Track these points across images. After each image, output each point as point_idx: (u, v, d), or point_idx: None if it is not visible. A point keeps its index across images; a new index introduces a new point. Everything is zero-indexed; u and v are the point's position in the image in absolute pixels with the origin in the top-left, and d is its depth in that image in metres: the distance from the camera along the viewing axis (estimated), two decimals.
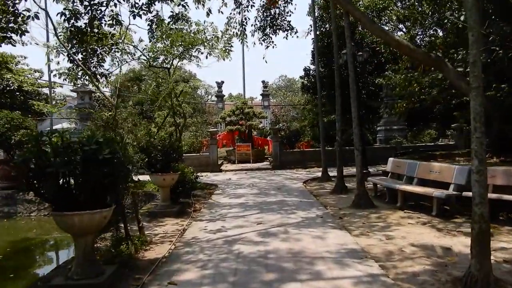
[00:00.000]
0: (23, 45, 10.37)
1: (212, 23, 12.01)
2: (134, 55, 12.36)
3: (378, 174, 13.97)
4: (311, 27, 22.05)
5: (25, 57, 32.87)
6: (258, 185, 12.98)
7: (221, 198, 10.61)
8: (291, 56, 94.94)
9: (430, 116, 24.03)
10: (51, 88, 28.69)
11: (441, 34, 17.64)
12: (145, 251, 6.11)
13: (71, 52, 9.43)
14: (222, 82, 43.95)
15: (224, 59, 13.92)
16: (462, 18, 8.60)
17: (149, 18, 10.27)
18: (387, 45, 11.21)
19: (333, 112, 20.42)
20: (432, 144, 19.31)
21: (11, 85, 25.79)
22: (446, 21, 11.96)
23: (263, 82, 44.27)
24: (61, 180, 4.42)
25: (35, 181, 4.31)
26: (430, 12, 17.10)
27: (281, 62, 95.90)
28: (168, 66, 13.14)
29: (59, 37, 8.59)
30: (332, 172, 14.44)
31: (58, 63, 14.80)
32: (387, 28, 25.89)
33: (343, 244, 5.50)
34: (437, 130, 24.25)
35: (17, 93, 26.57)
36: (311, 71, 23.64)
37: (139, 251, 6.08)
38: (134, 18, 9.54)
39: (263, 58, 14.98)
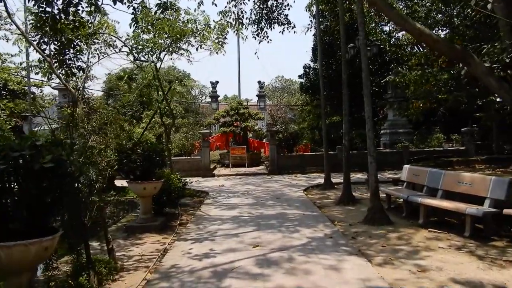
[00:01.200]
0: None
1: (204, 11, 10.83)
2: (117, 47, 11.18)
3: (386, 181, 12.85)
4: (312, 22, 21.00)
5: (12, 55, 31.41)
6: (253, 193, 11.77)
7: (211, 209, 9.39)
8: (288, 57, 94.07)
9: (432, 119, 23.04)
10: (39, 87, 27.26)
11: (445, 32, 16.69)
12: (112, 282, 4.90)
13: (42, 41, 8.18)
14: (217, 82, 42.70)
15: (217, 53, 12.75)
16: (489, 6, 7.49)
17: (132, 5, 9.06)
18: (408, 33, 10.04)
19: (335, 114, 19.36)
20: (441, 149, 18.21)
21: None
22: (464, 14, 10.88)
23: (259, 82, 43.14)
24: None
25: None
26: (434, 11, 16.10)
27: (278, 63, 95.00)
28: (155, 60, 11.94)
29: (17, 24, 7.33)
30: (335, 179, 13.30)
31: (28, 55, 13.53)
32: (387, 29, 24.97)
33: (365, 280, 4.32)
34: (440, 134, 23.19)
35: (3, 92, 25.12)
36: (311, 70, 22.55)
37: (105, 283, 4.86)
38: (115, 3, 8.31)
39: (255, 53, 13.66)
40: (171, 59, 14.43)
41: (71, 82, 8.86)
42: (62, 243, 4.58)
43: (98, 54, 11.63)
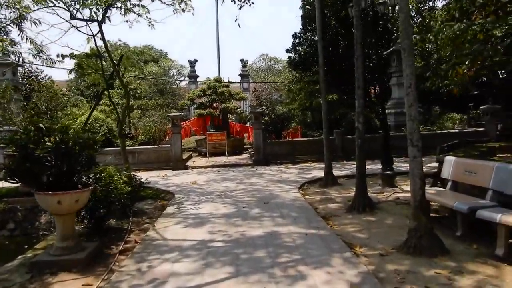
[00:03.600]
0: None
1: None
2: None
3: (402, 172, 10.33)
4: None
5: None
6: (233, 195, 9.06)
7: (170, 225, 6.65)
8: (273, 35, 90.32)
9: (431, 98, 20.63)
10: None
11: None
12: None
13: None
14: (195, 60, 39.50)
15: (183, 10, 9.96)
16: None
17: None
18: None
19: (329, 91, 16.66)
20: (457, 131, 15.80)
21: None
22: None
23: (241, 61, 40.09)
24: None
25: None
26: None
27: (262, 41, 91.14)
28: (99, 18, 9.00)
29: None
30: (335, 170, 10.76)
31: None
32: None
33: None
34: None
35: None
36: (301, 40, 19.65)
37: None
38: None
39: (235, 21, 11.08)
40: (127, 21, 11.32)
41: None
42: None
43: (17, 8, 8.71)
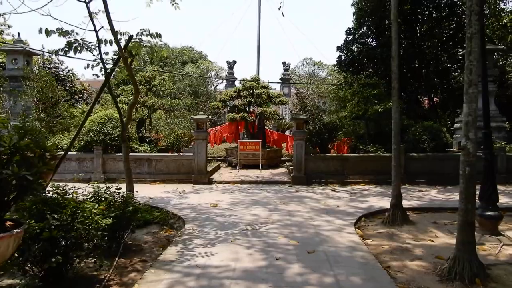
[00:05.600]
0: None
1: None
2: None
3: (504, 208, 7.45)
4: None
5: None
6: (263, 232, 6.63)
7: None
8: (319, 37, 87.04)
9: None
10: None
11: None
12: None
13: None
14: (234, 62, 37.66)
15: None
16: None
17: None
18: None
19: (388, 98, 13.93)
20: None
21: None
22: None
23: (283, 64, 37.71)
24: None
25: None
26: None
27: (306, 46, 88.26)
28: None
29: None
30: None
31: None
32: None
33: None
34: None
35: None
36: (355, 37, 16.99)
37: None
38: None
39: (279, 8, 9.00)
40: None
41: None
42: None
43: None
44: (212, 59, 55.70)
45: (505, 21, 18.85)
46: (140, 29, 7.96)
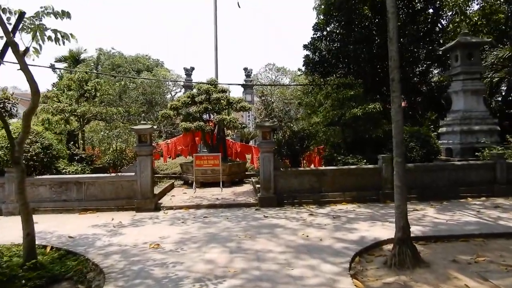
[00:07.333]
0: None
1: None
2: None
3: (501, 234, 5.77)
4: None
5: None
6: None
7: None
8: (280, 45, 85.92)
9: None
10: None
11: None
12: None
13: None
14: (192, 68, 35.26)
15: None
16: None
17: None
18: None
19: (367, 99, 12.32)
20: None
21: None
22: None
23: (245, 70, 35.76)
24: None
25: None
26: None
27: (267, 48, 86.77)
28: None
29: None
30: (385, 222, 6.11)
31: None
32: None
33: None
34: None
35: None
36: (323, 34, 15.31)
37: None
38: None
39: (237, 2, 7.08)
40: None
41: None
42: None
43: None
44: (170, 67, 53.31)
45: (475, 19, 18.00)
46: (41, 7, 5.74)
